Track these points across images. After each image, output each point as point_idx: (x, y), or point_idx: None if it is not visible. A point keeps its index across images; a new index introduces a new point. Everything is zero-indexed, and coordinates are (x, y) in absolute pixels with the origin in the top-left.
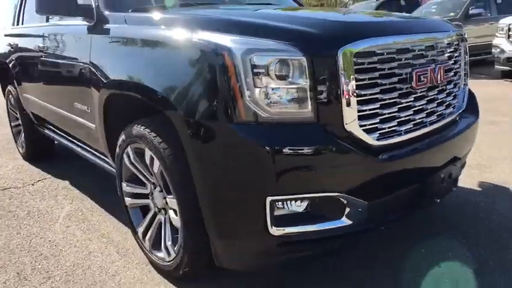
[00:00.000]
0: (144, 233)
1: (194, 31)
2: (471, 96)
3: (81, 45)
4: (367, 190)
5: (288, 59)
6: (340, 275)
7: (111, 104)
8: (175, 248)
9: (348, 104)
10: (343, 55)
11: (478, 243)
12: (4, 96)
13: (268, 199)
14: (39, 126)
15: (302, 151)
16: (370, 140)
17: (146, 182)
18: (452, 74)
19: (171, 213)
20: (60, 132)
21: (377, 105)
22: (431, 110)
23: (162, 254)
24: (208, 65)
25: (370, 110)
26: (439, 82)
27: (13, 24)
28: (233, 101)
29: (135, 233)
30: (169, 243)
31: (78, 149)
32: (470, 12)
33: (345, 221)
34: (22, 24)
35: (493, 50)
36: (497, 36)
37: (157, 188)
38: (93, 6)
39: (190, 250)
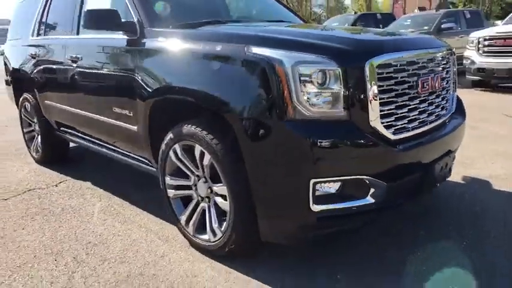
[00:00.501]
0: (187, 220)
1: (246, 46)
2: (459, 101)
3: (124, 56)
4: (386, 174)
5: (326, 69)
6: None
7: (157, 108)
8: (222, 229)
9: (372, 105)
10: (369, 67)
11: (462, 225)
12: (17, 104)
13: (312, 181)
14: (59, 132)
15: (337, 142)
16: (389, 134)
17: (190, 174)
18: (445, 82)
19: (217, 199)
20: (85, 136)
21: (392, 106)
22: (431, 111)
23: (206, 236)
24: (263, 73)
25: (387, 110)
26: (436, 88)
27: (32, 36)
28: (283, 103)
29: (177, 220)
30: (215, 225)
31: (104, 150)
32: (443, 26)
33: (369, 200)
34: (44, 35)
35: (464, 62)
36: (468, 49)
37: (202, 180)
38: (136, 22)
39: (239, 229)
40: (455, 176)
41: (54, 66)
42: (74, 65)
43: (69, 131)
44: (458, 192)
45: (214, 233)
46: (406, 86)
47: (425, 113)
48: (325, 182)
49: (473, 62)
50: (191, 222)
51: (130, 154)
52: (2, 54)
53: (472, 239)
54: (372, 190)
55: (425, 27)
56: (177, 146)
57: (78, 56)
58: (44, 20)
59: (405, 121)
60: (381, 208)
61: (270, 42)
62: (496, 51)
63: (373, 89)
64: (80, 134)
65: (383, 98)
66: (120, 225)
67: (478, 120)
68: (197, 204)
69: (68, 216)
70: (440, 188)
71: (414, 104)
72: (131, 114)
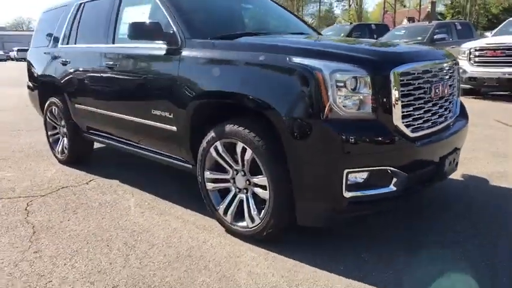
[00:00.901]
0: (225, 210)
1: (288, 56)
2: (462, 105)
3: (164, 64)
4: (407, 166)
5: (357, 76)
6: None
7: (198, 109)
8: (261, 216)
9: (395, 107)
10: (393, 75)
11: (461, 213)
12: (41, 108)
13: (345, 171)
14: (88, 133)
15: (366, 138)
16: (409, 132)
17: (229, 169)
18: (451, 88)
19: (256, 189)
20: (117, 137)
21: (411, 108)
22: (441, 113)
23: (244, 223)
24: (304, 80)
25: (407, 111)
26: (445, 94)
27: (62, 44)
28: (322, 105)
29: (215, 210)
30: (254, 213)
31: (136, 150)
32: (435, 37)
33: (392, 188)
34: (75, 43)
35: None
36: (459, 59)
37: (240, 173)
38: (178, 34)
39: (277, 215)
40: (456, 174)
41: (89, 73)
42: (112, 71)
43: (100, 133)
44: (460, 186)
45: (252, 220)
46: (422, 91)
47: (436, 114)
48: (356, 171)
49: (465, 71)
50: (229, 212)
51: (164, 152)
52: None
53: (471, 223)
54: (395, 179)
55: (419, 38)
56: (218, 144)
57: (116, 63)
58: (74, 30)
59: (421, 121)
60: (402, 195)
61: (309, 53)
62: (486, 61)
63: (395, 94)
64: (111, 136)
65: (403, 101)
66: (158, 216)
67: (472, 125)
68: (235, 195)
69: (107, 210)
70: (444, 183)
71: (428, 107)
72: (171, 116)
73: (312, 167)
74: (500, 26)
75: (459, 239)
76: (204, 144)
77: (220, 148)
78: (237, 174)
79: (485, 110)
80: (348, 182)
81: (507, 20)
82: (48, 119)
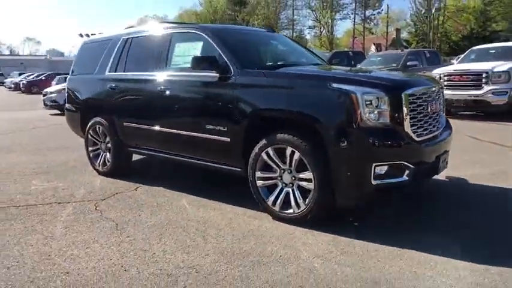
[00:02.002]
0: (274, 202)
1: (328, 82)
2: (447, 119)
3: (219, 88)
4: (415, 161)
5: (380, 97)
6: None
7: (251, 123)
8: (306, 202)
9: (406, 119)
10: (404, 96)
11: (447, 206)
12: (82, 127)
13: (373, 165)
14: (133, 147)
15: (387, 140)
16: (415, 136)
17: (277, 168)
18: (440, 106)
19: (302, 183)
20: (165, 150)
21: (415, 120)
22: (434, 124)
23: (291, 210)
24: (342, 99)
25: (413, 122)
26: (436, 110)
27: (110, 71)
28: (355, 117)
29: (264, 202)
30: (300, 201)
31: (183, 159)
32: (408, 63)
33: (405, 178)
34: (124, 71)
35: None
36: None
37: (286, 172)
38: (229, 64)
39: (320, 201)
40: (442, 175)
41: (141, 96)
42: (165, 94)
43: (146, 146)
44: (447, 184)
45: (298, 207)
46: (422, 107)
47: (431, 125)
48: (381, 165)
49: None
50: (277, 203)
51: (214, 160)
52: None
53: (454, 207)
54: (407, 171)
55: (394, 64)
56: (269, 149)
57: (169, 87)
58: (122, 59)
59: (422, 129)
60: (411, 184)
61: (344, 80)
62: (454, 85)
63: (405, 109)
64: (158, 148)
65: (410, 115)
66: (212, 211)
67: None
68: (281, 189)
69: (166, 208)
70: (435, 183)
71: (425, 119)
72: (225, 129)
73: (349, 162)
74: (464, 55)
75: (449, 221)
76: (256, 150)
77: (271, 152)
78: (283, 172)
79: (457, 127)
80: (375, 173)
81: (469, 50)
82: (89, 137)
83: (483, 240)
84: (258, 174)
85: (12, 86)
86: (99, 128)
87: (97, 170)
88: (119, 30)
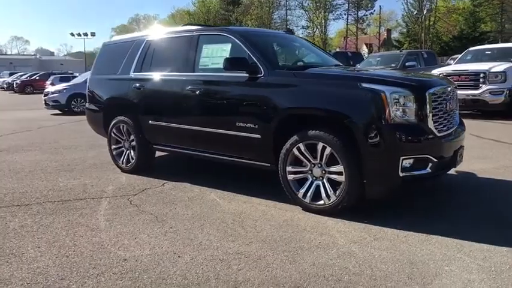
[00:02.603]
0: (304, 194)
1: (358, 82)
2: (460, 117)
3: (250, 88)
4: (437, 155)
5: (406, 95)
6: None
7: (283, 120)
8: (337, 194)
9: (429, 116)
10: (428, 94)
11: (460, 190)
12: (105, 126)
13: (401, 158)
14: (159, 145)
15: (413, 135)
16: (437, 132)
17: (307, 163)
18: (455, 104)
19: (332, 176)
20: (187, 146)
21: (437, 116)
22: (451, 121)
23: (321, 201)
24: (372, 98)
25: (435, 118)
26: (453, 108)
27: (134, 72)
28: (385, 114)
29: (295, 195)
30: (331, 192)
31: (210, 155)
32: (407, 64)
33: (429, 170)
34: (149, 71)
35: None
36: None
37: (316, 166)
38: (259, 65)
39: (350, 192)
40: (452, 170)
41: (169, 95)
42: (194, 93)
43: (173, 144)
44: (458, 177)
45: (329, 198)
46: (442, 105)
47: (449, 122)
48: (408, 158)
49: None
50: (308, 195)
51: (242, 155)
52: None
53: (463, 195)
54: (430, 164)
55: (393, 65)
56: (301, 144)
57: (199, 87)
58: (147, 60)
59: (442, 126)
60: (433, 176)
61: (373, 80)
62: None
63: (428, 107)
64: (184, 146)
65: (432, 111)
66: (244, 204)
67: None
68: (311, 183)
69: (198, 202)
70: (447, 177)
71: (445, 116)
72: (256, 127)
73: (379, 156)
74: (460, 55)
75: (461, 206)
76: (287, 145)
77: (302, 148)
78: (313, 166)
79: None
80: (402, 166)
81: (466, 51)
82: (113, 135)
83: (500, 226)
84: (289, 168)
85: (5, 86)
86: (123, 126)
87: (120, 167)
88: (143, 32)
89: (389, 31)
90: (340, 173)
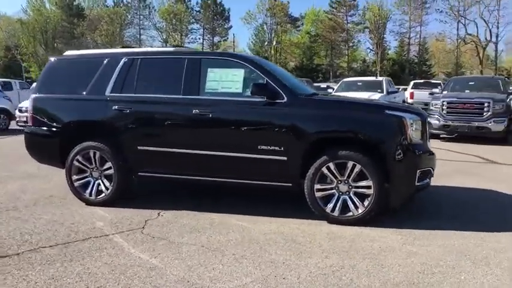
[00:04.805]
0: (333, 208)
1: (383, 109)
2: None
3: (274, 111)
4: (433, 167)
5: (417, 120)
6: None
7: (312, 142)
8: (365, 205)
9: (427, 137)
10: (427, 120)
11: (439, 200)
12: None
13: (418, 171)
14: (146, 172)
15: (425, 152)
16: (432, 149)
17: (334, 180)
18: None
19: (359, 190)
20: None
21: (428, 138)
22: None
23: (350, 213)
24: (397, 122)
25: (429, 139)
26: None
27: (113, 92)
28: (406, 135)
29: (323, 210)
30: (359, 204)
31: (218, 179)
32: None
33: (428, 180)
34: (134, 93)
35: None
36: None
37: (342, 182)
38: (280, 91)
39: (378, 203)
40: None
41: (171, 118)
42: (205, 117)
43: (170, 170)
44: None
45: (357, 209)
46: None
47: None
48: (421, 170)
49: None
50: (336, 209)
51: (261, 178)
52: None
53: (444, 204)
54: (429, 175)
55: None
56: (331, 164)
57: (212, 110)
58: (128, 81)
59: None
60: (429, 185)
61: (394, 108)
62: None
63: (427, 130)
64: (186, 172)
65: (427, 134)
66: (274, 225)
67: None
68: (338, 198)
69: (226, 228)
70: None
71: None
72: (282, 149)
73: (403, 170)
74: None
75: (450, 215)
76: (316, 165)
77: (332, 166)
78: (340, 183)
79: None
80: (417, 177)
81: (341, 81)
82: (76, 163)
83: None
84: (317, 186)
85: None
86: (94, 153)
87: (86, 200)
88: (107, 49)
89: None
90: (368, 187)
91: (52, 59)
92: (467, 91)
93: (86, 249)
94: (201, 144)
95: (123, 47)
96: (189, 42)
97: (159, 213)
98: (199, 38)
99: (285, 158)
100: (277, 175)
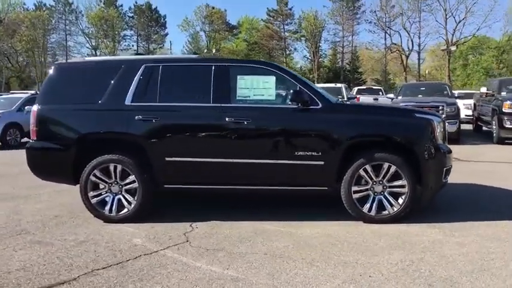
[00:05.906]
0: (370, 208)
1: (413, 112)
2: None
3: (309, 117)
4: (451, 165)
5: (440, 122)
6: None
7: (349, 145)
8: (400, 203)
9: (446, 137)
10: (444, 122)
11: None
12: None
13: (444, 169)
14: (173, 184)
15: (449, 151)
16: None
17: (370, 181)
18: None
19: (394, 189)
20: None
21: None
22: None
23: (386, 211)
24: (427, 124)
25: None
26: None
27: (134, 101)
28: (434, 135)
29: (360, 211)
30: (394, 203)
31: (252, 187)
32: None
33: (447, 178)
34: (157, 102)
35: None
36: None
37: (378, 183)
38: (315, 98)
39: (412, 201)
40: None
41: (204, 128)
42: (240, 125)
43: (200, 180)
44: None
45: (393, 208)
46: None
47: None
48: (446, 168)
49: None
50: (373, 209)
51: (297, 183)
52: None
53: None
54: (449, 172)
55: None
56: (367, 166)
57: (247, 118)
58: (151, 89)
59: None
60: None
61: (421, 112)
62: None
63: (445, 130)
64: (218, 181)
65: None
66: (318, 228)
67: None
68: (374, 198)
69: (276, 236)
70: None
71: None
72: (319, 154)
73: (434, 168)
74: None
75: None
76: (353, 167)
77: (369, 168)
78: (375, 184)
79: None
80: (444, 174)
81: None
82: (93, 179)
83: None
84: (354, 188)
85: None
86: (115, 167)
87: (106, 217)
88: (123, 56)
89: None
90: (403, 186)
91: (56, 65)
92: (419, 96)
93: (146, 268)
94: (236, 153)
95: (137, 54)
96: (121, 49)
97: (191, 225)
98: (132, 45)
99: (322, 163)
100: (314, 180)
